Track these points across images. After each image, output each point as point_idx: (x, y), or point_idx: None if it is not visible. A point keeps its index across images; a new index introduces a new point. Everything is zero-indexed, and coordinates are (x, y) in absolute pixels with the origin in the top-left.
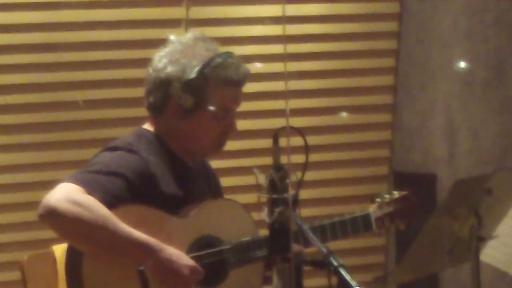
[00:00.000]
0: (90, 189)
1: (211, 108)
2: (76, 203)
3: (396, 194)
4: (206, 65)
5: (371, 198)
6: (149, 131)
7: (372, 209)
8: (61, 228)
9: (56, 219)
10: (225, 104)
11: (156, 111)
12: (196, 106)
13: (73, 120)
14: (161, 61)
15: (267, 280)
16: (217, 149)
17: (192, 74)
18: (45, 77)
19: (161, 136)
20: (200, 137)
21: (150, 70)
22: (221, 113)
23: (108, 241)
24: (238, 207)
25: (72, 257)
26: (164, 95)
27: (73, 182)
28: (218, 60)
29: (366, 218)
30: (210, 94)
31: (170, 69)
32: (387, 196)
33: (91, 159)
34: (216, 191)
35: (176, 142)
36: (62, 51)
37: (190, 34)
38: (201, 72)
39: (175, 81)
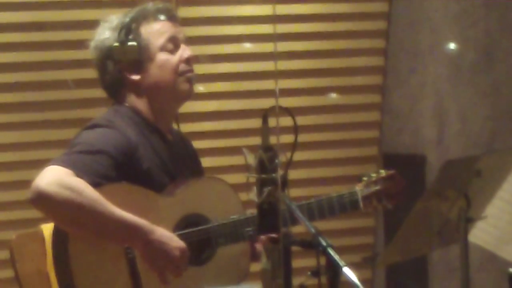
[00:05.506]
0: (78, 171)
1: (157, 43)
2: (66, 187)
3: (383, 173)
4: (131, 13)
5: (358, 177)
6: (124, 106)
7: (359, 188)
8: (53, 212)
9: (47, 203)
10: (167, 36)
11: (117, 86)
12: (142, 50)
13: (62, 99)
14: (97, 37)
15: (254, 256)
16: (187, 82)
17: (123, 24)
18: (34, 56)
19: (136, 109)
20: (166, 78)
21: (93, 51)
22: (169, 45)
23: (99, 224)
24: (225, 186)
25: (58, 239)
26: (114, 66)
27: (61, 165)
28: (139, 8)
29: (353, 196)
30: (147, 32)
31: (106, 35)
32: (374, 175)
33: (73, 139)
34: (197, 169)
35: (152, 109)
36: (51, 30)
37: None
38: (130, 19)
39: (114, 43)
